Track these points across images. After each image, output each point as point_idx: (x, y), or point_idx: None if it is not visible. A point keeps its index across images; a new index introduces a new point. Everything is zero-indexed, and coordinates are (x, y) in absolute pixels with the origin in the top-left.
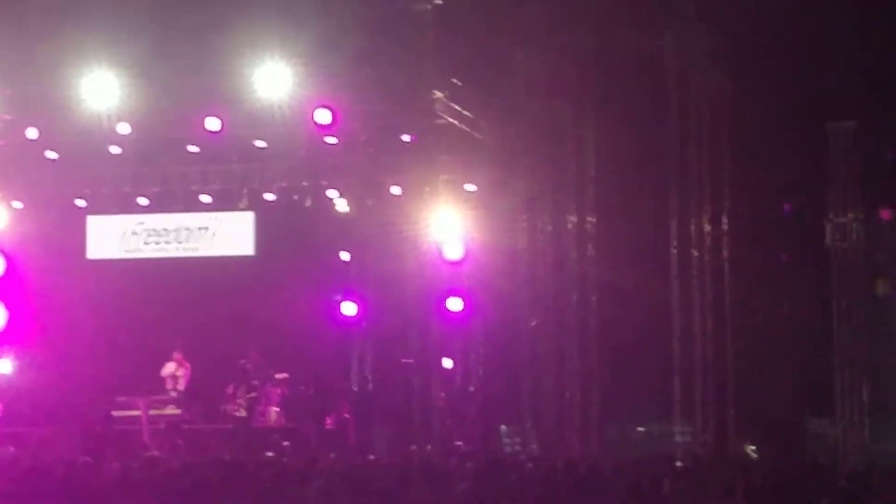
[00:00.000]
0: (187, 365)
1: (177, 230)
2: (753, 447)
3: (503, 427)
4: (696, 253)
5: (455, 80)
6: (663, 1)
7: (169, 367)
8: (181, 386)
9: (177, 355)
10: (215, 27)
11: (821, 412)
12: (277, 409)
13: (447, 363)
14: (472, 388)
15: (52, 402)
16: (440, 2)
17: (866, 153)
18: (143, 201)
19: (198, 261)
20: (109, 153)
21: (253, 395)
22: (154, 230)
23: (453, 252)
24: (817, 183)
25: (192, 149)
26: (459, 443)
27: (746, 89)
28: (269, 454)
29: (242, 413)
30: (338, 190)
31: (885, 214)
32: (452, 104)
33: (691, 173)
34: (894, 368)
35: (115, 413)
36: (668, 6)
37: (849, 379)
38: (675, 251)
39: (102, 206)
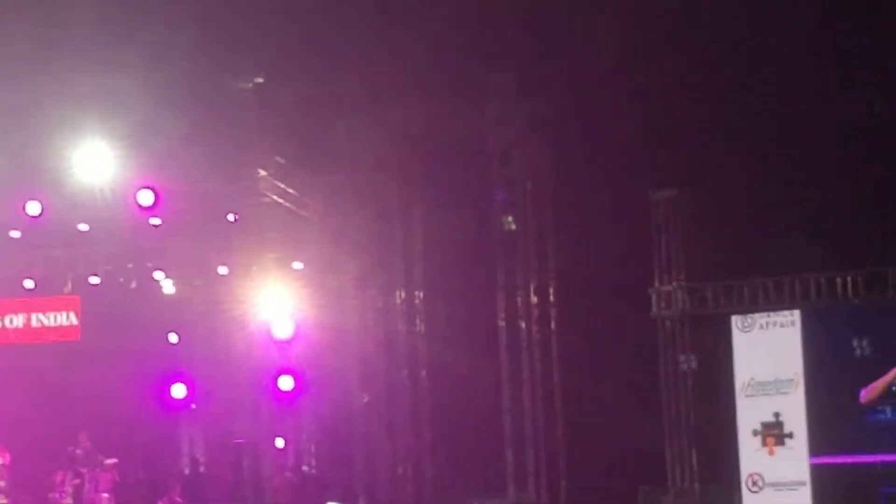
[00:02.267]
0: (6, 454)
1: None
2: None
3: None
4: (523, 325)
5: (279, 158)
6: (484, 76)
7: None
8: (3, 475)
9: None
10: (34, 108)
11: (653, 480)
12: (107, 496)
13: (279, 443)
14: (305, 468)
15: None
16: (261, 80)
17: (688, 221)
18: None
19: (23, 347)
20: None
21: (78, 481)
22: None
23: (283, 331)
24: (641, 252)
25: (14, 234)
26: None
27: (568, 161)
28: None
29: (69, 501)
30: (164, 271)
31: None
32: (277, 182)
33: (517, 245)
34: (724, 434)
35: None
36: (489, 81)
37: (679, 447)
38: (502, 324)
39: None
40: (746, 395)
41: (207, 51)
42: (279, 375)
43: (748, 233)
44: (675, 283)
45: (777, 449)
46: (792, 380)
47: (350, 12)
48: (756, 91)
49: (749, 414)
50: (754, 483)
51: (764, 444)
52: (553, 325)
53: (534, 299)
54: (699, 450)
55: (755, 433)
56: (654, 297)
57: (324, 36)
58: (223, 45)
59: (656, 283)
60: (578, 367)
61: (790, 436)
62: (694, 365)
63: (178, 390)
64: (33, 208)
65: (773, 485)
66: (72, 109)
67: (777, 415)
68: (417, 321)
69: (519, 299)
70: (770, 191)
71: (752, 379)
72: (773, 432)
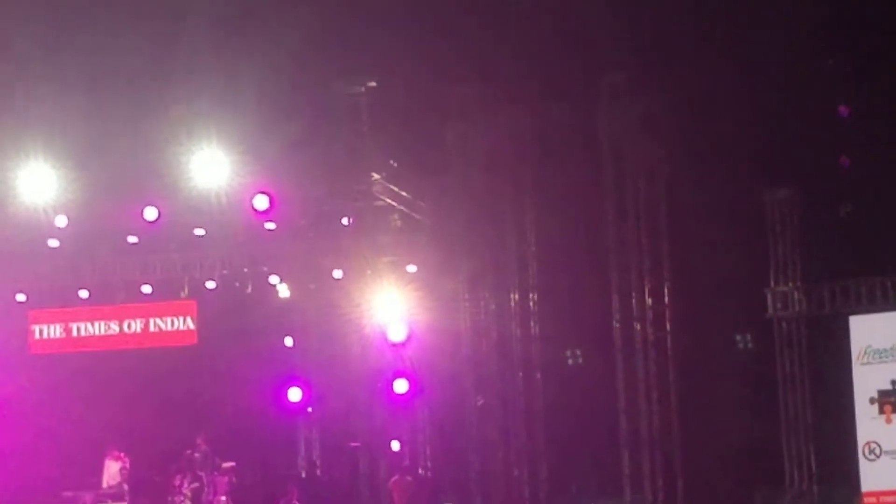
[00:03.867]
0: (124, 458)
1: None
2: None
3: None
4: (638, 326)
5: (392, 162)
6: (596, 74)
7: (108, 463)
8: (123, 479)
9: (112, 450)
10: (151, 115)
11: (770, 482)
12: (225, 499)
13: (395, 445)
14: (421, 471)
15: None
16: (374, 84)
17: (804, 220)
18: (83, 293)
19: (141, 352)
20: (48, 246)
21: (196, 485)
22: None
23: (397, 334)
24: (757, 252)
25: (131, 239)
26: None
27: (682, 159)
28: None
29: None
30: (279, 275)
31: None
32: (390, 185)
33: (630, 246)
34: (842, 436)
35: None
36: (601, 79)
37: (796, 447)
38: (617, 325)
39: (43, 300)
40: (863, 364)
41: (320, 55)
42: (394, 378)
43: (865, 232)
44: (791, 284)
45: (894, 417)
46: None
47: (460, 15)
48: (871, 87)
49: (866, 382)
50: (871, 451)
51: (881, 411)
52: (668, 327)
53: (648, 301)
54: (817, 451)
55: (872, 401)
56: (769, 298)
57: (434, 38)
58: (335, 49)
59: (772, 284)
60: (694, 368)
61: None
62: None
63: (295, 394)
64: (150, 214)
65: (889, 453)
66: (188, 116)
67: (894, 382)
68: (531, 323)
69: (634, 300)
70: (886, 188)
71: (870, 346)
72: (891, 400)
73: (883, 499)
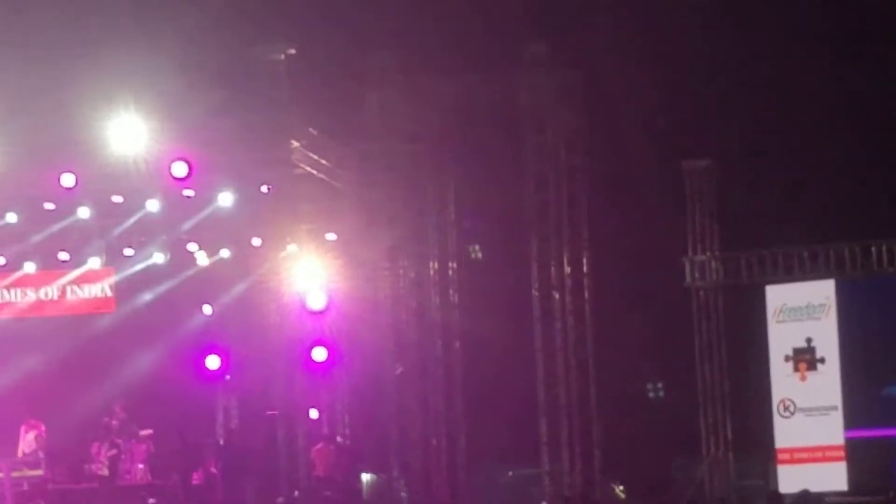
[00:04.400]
0: (41, 426)
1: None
2: (622, 487)
3: (366, 475)
4: (557, 295)
5: (312, 130)
6: (517, 45)
7: (23, 431)
8: (39, 447)
9: (28, 419)
10: (68, 81)
11: (686, 450)
12: (143, 467)
13: (313, 414)
14: (340, 439)
15: None
16: (293, 51)
17: (722, 191)
18: None
19: (58, 319)
20: None
21: (114, 452)
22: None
23: (316, 302)
24: (675, 222)
25: (48, 206)
26: (328, 493)
27: (603, 130)
28: None
29: (106, 472)
30: (197, 243)
31: None
32: (310, 153)
33: (550, 216)
34: (757, 403)
35: None
36: (523, 50)
37: (713, 416)
38: (536, 294)
39: None
40: (778, 322)
41: (239, 21)
42: (313, 346)
43: (782, 202)
44: (708, 253)
45: (809, 374)
46: (824, 304)
47: None
48: (794, 64)
49: (781, 340)
50: (786, 408)
51: (796, 369)
52: (586, 295)
53: (567, 269)
54: (733, 419)
55: (787, 359)
56: (687, 267)
57: (355, 5)
58: (254, 16)
59: (690, 253)
60: (612, 337)
61: (822, 361)
62: None
63: (213, 361)
64: (68, 180)
65: (803, 410)
66: (105, 83)
67: (809, 340)
68: (451, 292)
69: (552, 269)
70: (804, 159)
71: (785, 304)
72: (805, 357)
73: (796, 455)
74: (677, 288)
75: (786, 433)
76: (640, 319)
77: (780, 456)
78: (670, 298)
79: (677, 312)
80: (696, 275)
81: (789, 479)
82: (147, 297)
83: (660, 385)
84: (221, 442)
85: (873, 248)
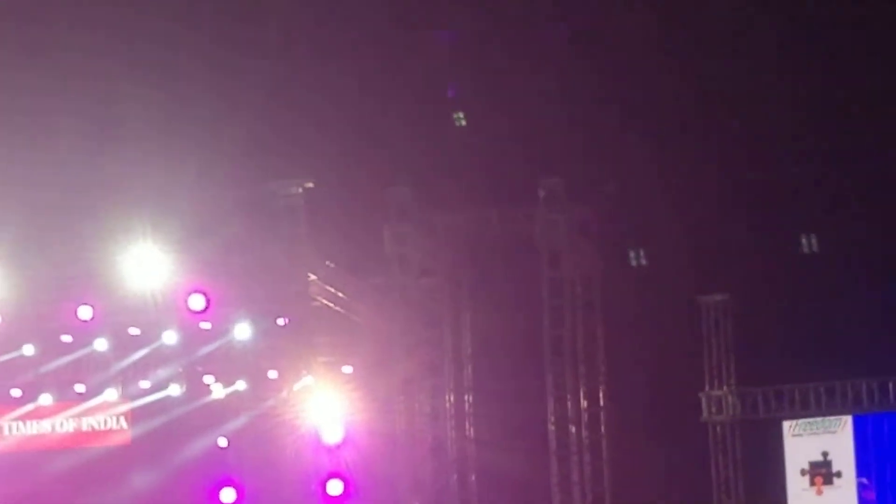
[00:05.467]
0: None
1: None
2: None
3: None
4: (573, 429)
5: (329, 263)
6: (533, 180)
7: None
8: None
9: None
10: (87, 214)
11: None
12: None
13: None
14: None
15: None
16: (311, 185)
17: (738, 326)
18: (15, 392)
19: (73, 451)
20: None
21: None
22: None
23: (332, 435)
24: (692, 356)
25: (65, 338)
26: None
27: (618, 265)
28: None
29: None
30: (213, 375)
31: None
32: (327, 286)
33: (566, 350)
34: None
35: None
36: (538, 187)
37: None
38: (552, 428)
39: None
40: (794, 435)
41: (257, 156)
42: (328, 480)
43: (798, 337)
44: (725, 388)
45: (825, 489)
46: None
47: (398, 118)
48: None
49: (797, 453)
50: None
51: (812, 483)
52: (603, 430)
53: (584, 403)
54: None
55: (803, 473)
56: (704, 402)
57: (372, 141)
58: (272, 150)
59: (707, 388)
60: (629, 471)
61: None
62: None
63: (228, 495)
64: (85, 312)
65: None
66: (124, 215)
67: (825, 454)
68: (467, 425)
69: (569, 403)
70: (820, 296)
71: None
72: (821, 471)
73: None
74: (694, 422)
75: None
76: (656, 453)
77: None
78: (687, 433)
79: (694, 446)
80: (713, 409)
81: None
82: (162, 429)
83: None
84: None
85: (890, 384)
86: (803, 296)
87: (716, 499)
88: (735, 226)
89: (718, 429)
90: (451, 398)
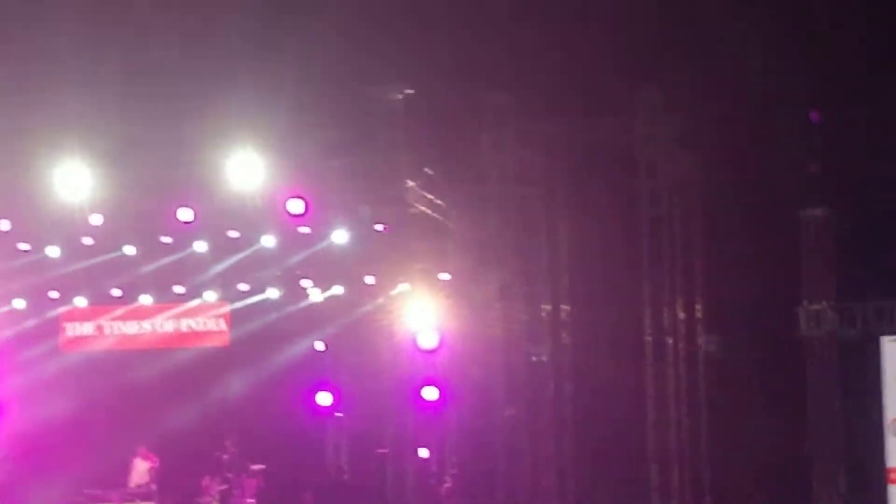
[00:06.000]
0: (154, 458)
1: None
2: None
3: None
4: (670, 340)
5: (427, 170)
6: (632, 89)
7: (137, 462)
8: (152, 479)
9: (141, 450)
10: (188, 116)
11: (798, 500)
12: (253, 501)
13: (423, 452)
14: (448, 480)
15: (26, 495)
16: (411, 91)
17: (838, 240)
18: (116, 293)
19: (171, 353)
20: (82, 244)
21: (225, 487)
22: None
23: (428, 341)
24: (790, 269)
25: (166, 239)
26: None
27: (717, 176)
28: None
29: None
30: (311, 280)
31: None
32: (425, 193)
33: (664, 260)
34: (871, 458)
35: None
36: (637, 94)
37: (825, 467)
38: (649, 338)
39: (76, 298)
40: (891, 341)
41: (356, 62)
42: (424, 386)
43: None
44: (824, 303)
45: None
46: None
47: (497, 25)
48: None
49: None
50: None
51: None
52: (700, 340)
53: (680, 314)
54: (846, 471)
55: None
56: (802, 316)
57: (471, 48)
58: (372, 56)
59: (805, 302)
60: (724, 383)
61: None
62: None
63: (324, 398)
64: (185, 214)
65: None
66: (224, 120)
67: None
68: (563, 333)
69: (665, 314)
70: None
71: None
72: None
73: None
74: (791, 336)
75: None
76: (753, 366)
77: (893, 475)
78: (784, 347)
79: (790, 361)
80: (811, 324)
81: None
82: (260, 332)
83: None
84: (331, 478)
85: None
86: None
87: (812, 414)
88: (838, 137)
89: (816, 343)
90: (548, 306)
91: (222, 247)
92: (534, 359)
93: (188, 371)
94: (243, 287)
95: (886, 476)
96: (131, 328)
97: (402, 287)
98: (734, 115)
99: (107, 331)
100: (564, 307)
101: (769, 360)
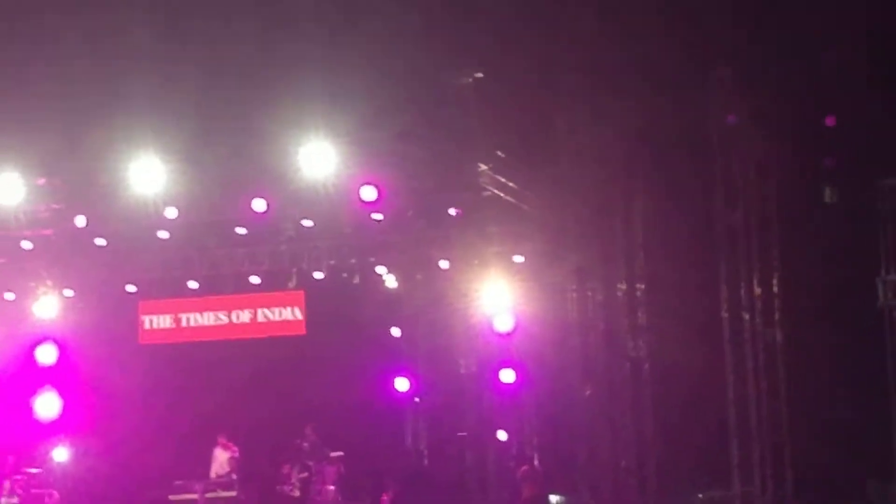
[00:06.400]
0: (234, 448)
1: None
2: None
3: (554, 497)
4: (747, 316)
5: (499, 153)
6: (706, 69)
7: (217, 452)
8: (233, 468)
9: (221, 439)
10: (258, 107)
11: (880, 473)
12: (333, 488)
13: (502, 435)
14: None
15: (108, 489)
16: (481, 75)
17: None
18: (192, 285)
19: (249, 342)
20: (158, 238)
21: (305, 474)
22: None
23: (504, 324)
24: (868, 241)
25: (240, 230)
26: None
27: (792, 151)
28: None
29: (297, 493)
30: (386, 266)
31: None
32: (498, 176)
33: (739, 237)
34: None
35: (172, 497)
36: (711, 74)
37: None
38: (726, 315)
39: (153, 291)
40: None
41: (427, 46)
42: (501, 369)
43: None
44: None
45: None
46: None
47: (571, 6)
48: None
49: None
50: None
51: None
52: (777, 317)
53: (757, 291)
54: None
55: None
56: (880, 287)
57: (544, 29)
58: (443, 40)
59: (883, 273)
60: (803, 358)
61: None
62: None
63: (402, 384)
64: (259, 205)
65: None
66: (296, 108)
67: None
68: (639, 314)
69: (742, 291)
70: None
71: None
72: None
73: None
74: (870, 308)
75: None
76: (831, 340)
77: None
78: (863, 318)
79: (870, 332)
80: (890, 294)
81: None
82: (337, 319)
83: None
84: (411, 463)
85: None
86: None
87: (892, 385)
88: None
89: (895, 314)
90: (623, 287)
91: (298, 236)
92: (610, 340)
93: (266, 360)
94: (319, 275)
95: None
96: (208, 319)
97: (478, 271)
98: (809, 91)
99: (184, 323)
100: (640, 287)
101: (848, 332)
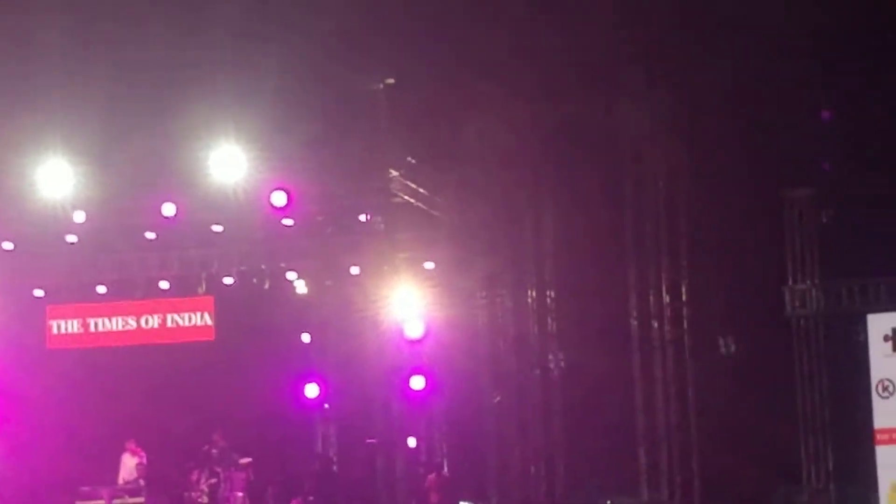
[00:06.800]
0: (142, 453)
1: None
2: None
3: None
4: (655, 324)
5: (410, 159)
6: (615, 73)
7: (125, 458)
8: (140, 474)
9: (129, 445)
10: (169, 111)
11: (787, 479)
12: (242, 495)
13: (411, 442)
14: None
15: (15, 494)
16: (392, 81)
17: (822, 219)
18: (101, 289)
19: (158, 347)
20: (66, 242)
21: (214, 481)
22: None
23: (414, 330)
24: (775, 251)
25: (149, 235)
26: None
27: (701, 159)
28: None
29: (205, 500)
30: (296, 272)
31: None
32: (408, 182)
33: (649, 245)
34: (859, 432)
35: (78, 503)
36: (620, 78)
37: (814, 445)
38: (635, 322)
39: (61, 296)
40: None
41: (338, 53)
42: (411, 375)
43: (884, 230)
44: (809, 282)
45: None
46: None
47: (478, 12)
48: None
49: (880, 321)
50: (884, 388)
51: (895, 349)
52: (685, 325)
53: (666, 298)
54: (835, 449)
55: (886, 338)
56: (787, 296)
57: (452, 36)
58: (354, 46)
59: (790, 282)
60: (711, 366)
61: None
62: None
63: (311, 390)
64: (168, 209)
65: None
66: (205, 112)
67: None
68: (549, 320)
69: (651, 298)
70: None
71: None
72: None
73: (895, 435)
74: (778, 317)
75: (885, 414)
76: (740, 348)
77: (879, 437)
78: (770, 327)
79: (777, 341)
80: (797, 303)
81: (888, 460)
82: (246, 325)
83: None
84: (320, 470)
85: None
86: (889, 188)
87: (799, 393)
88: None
89: (802, 322)
90: (533, 293)
91: (206, 241)
92: (520, 346)
93: (175, 366)
94: (228, 281)
95: (873, 438)
96: (116, 324)
97: (388, 277)
98: (718, 95)
99: (92, 328)
100: (550, 294)
101: (757, 339)
